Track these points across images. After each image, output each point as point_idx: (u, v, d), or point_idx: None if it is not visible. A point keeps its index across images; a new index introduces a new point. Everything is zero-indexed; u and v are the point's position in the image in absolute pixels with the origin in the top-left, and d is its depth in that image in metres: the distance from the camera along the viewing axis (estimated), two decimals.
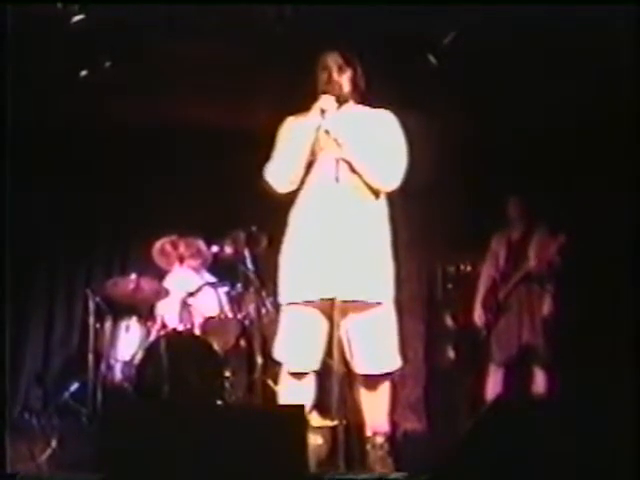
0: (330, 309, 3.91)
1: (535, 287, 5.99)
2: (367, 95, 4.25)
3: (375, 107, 4.24)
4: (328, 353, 4.08)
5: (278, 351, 4.21)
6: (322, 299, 3.95)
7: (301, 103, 4.20)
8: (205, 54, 5.61)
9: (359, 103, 4.21)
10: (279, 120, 4.31)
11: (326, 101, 4.03)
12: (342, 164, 4.00)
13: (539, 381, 5.84)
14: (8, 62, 5.41)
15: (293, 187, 4.13)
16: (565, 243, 5.72)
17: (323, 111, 4.02)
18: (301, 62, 4.36)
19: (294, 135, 4.11)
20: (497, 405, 3.21)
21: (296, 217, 4.15)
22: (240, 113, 6.23)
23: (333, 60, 4.15)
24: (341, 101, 4.08)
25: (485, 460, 2.88)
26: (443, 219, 6.13)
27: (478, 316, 6.15)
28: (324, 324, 4.05)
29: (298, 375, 4.13)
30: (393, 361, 4.13)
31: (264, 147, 4.61)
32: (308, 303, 4.03)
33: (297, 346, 4.09)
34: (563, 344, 5.84)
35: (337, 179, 3.94)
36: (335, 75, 4.12)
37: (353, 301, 3.95)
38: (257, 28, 5.29)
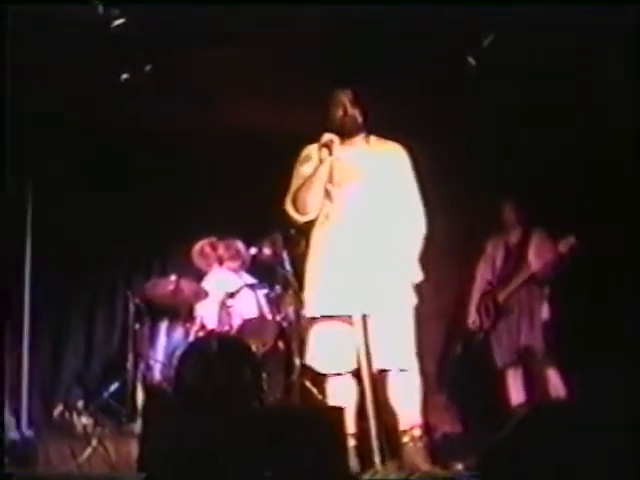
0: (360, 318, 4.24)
1: (535, 289, 5.98)
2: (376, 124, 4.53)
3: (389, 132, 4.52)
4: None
5: (309, 356, 4.52)
6: (347, 315, 4.27)
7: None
8: (246, 56, 5.63)
9: (370, 134, 4.51)
10: (319, 123, 4.45)
11: (331, 137, 4.32)
12: (357, 194, 4.35)
13: (554, 383, 5.81)
14: (48, 66, 5.53)
15: (312, 216, 4.46)
16: (575, 244, 5.70)
17: (327, 147, 4.31)
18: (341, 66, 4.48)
19: (311, 166, 4.43)
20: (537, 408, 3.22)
21: (317, 241, 4.48)
22: (282, 116, 6.25)
23: (345, 95, 4.42)
24: (354, 134, 4.43)
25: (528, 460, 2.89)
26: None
27: (472, 320, 6.15)
28: (351, 329, 4.28)
29: (338, 376, 4.37)
30: (411, 358, 4.35)
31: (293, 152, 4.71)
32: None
33: (328, 350, 4.36)
34: (565, 345, 5.82)
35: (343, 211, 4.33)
36: (349, 110, 4.41)
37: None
38: (302, 29, 5.32)
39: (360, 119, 4.43)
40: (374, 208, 4.38)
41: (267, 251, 6.09)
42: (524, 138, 6.08)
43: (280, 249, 5.98)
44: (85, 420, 5.68)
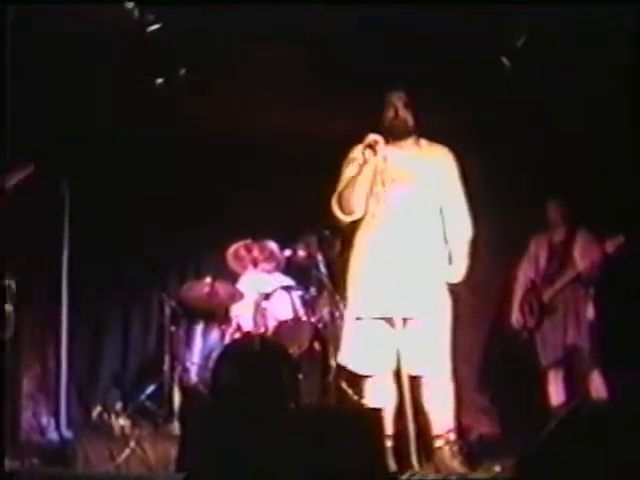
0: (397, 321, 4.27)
1: (580, 289, 5.94)
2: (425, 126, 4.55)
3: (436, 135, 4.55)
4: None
5: (343, 356, 4.58)
6: (387, 318, 4.29)
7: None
8: (283, 58, 5.65)
9: (420, 136, 4.54)
10: (355, 125, 4.48)
11: (377, 138, 4.31)
12: (405, 196, 4.37)
13: (596, 384, 5.77)
14: (82, 69, 5.58)
15: (358, 216, 4.48)
16: (622, 244, 5.66)
17: (373, 147, 4.30)
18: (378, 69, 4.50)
19: (357, 167, 4.42)
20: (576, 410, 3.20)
21: (362, 240, 4.50)
22: (316, 118, 6.27)
23: (398, 97, 4.44)
24: (404, 137, 4.45)
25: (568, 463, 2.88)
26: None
27: (516, 319, 6.11)
28: (392, 331, 4.29)
29: (374, 377, 4.42)
30: (444, 366, 4.41)
31: (337, 153, 4.72)
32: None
33: (367, 351, 4.40)
34: (608, 346, 5.77)
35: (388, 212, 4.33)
36: (401, 112, 4.43)
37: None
38: (335, 30, 5.34)
39: (411, 122, 4.44)
40: (421, 211, 4.40)
41: (301, 253, 6.12)
42: (569, 136, 6.03)
43: (314, 251, 6.00)
44: (123, 422, 5.71)
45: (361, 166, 4.36)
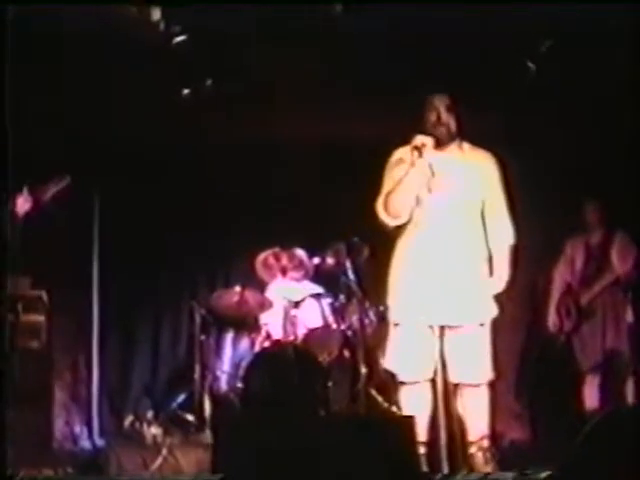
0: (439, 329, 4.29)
1: (619, 292, 5.90)
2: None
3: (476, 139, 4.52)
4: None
5: (390, 361, 4.52)
6: (431, 326, 4.29)
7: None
8: (313, 64, 5.66)
9: (463, 140, 4.49)
10: (385, 131, 4.47)
11: (423, 140, 4.27)
12: (447, 200, 4.35)
13: (634, 388, 5.72)
14: (111, 80, 5.63)
15: (404, 220, 4.40)
16: None
17: (419, 150, 4.25)
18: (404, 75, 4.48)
19: (403, 169, 4.35)
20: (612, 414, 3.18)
21: (406, 246, 4.44)
22: (341, 126, 6.28)
23: (441, 101, 4.39)
24: (448, 141, 4.39)
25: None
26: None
27: (553, 322, 6.06)
28: (432, 338, 4.30)
29: (412, 384, 4.39)
30: (485, 373, 4.39)
31: (366, 160, 4.71)
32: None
33: (408, 357, 4.37)
34: None
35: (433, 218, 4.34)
36: (444, 116, 4.37)
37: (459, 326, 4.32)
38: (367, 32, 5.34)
39: (454, 125, 4.40)
40: (464, 216, 4.37)
41: (330, 260, 6.13)
42: (606, 138, 5.99)
43: (343, 258, 6.01)
44: (155, 430, 5.76)
45: (408, 168, 4.30)
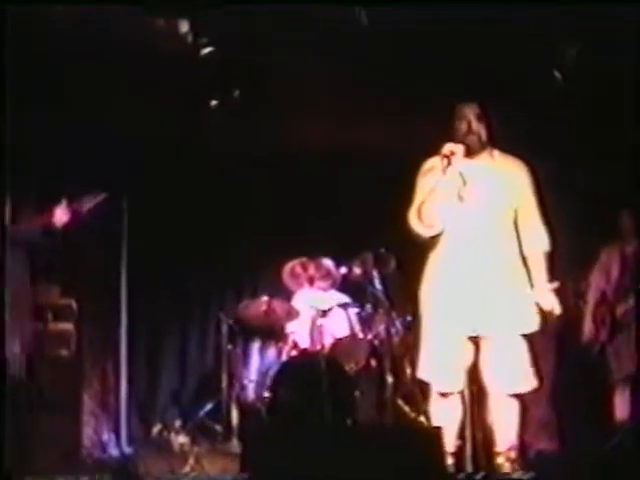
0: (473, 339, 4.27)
1: None
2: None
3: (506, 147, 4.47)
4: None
5: (423, 371, 4.44)
6: (470, 337, 4.25)
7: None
8: (342, 74, 5.67)
9: (493, 148, 4.44)
10: (412, 142, 4.45)
11: (452, 149, 4.24)
12: (480, 209, 4.30)
13: None
14: (144, 89, 5.68)
15: (437, 231, 4.36)
16: None
17: (449, 159, 4.22)
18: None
19: (435, 178, 4.31)
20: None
21: (438, 255, 4.40)
22: (369, 135, 6.29)
23: (471, 110, 4.36)
24: (478, 150, 4.35)
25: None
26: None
27: (589, 330, 6.00)
28: (465, 348, 4.28)
29: (445, 395, 4.35)
30: (527, 382, 4.34)
31: (393, 170, 4.71)
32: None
33: (441, 368, 4.32)
34: None
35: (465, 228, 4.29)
36: (474, 124, 4.34)
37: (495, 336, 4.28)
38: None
39: (485, 134, 4.36)
40: (497, 225, 4.33)
41: (357, 270, 6.14)
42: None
43: (370, 268, 6.02)
44: (182, 439, 5.79)
45: (439, 177, 4.25)
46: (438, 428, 3.70)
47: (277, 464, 3.46)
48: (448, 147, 4.24)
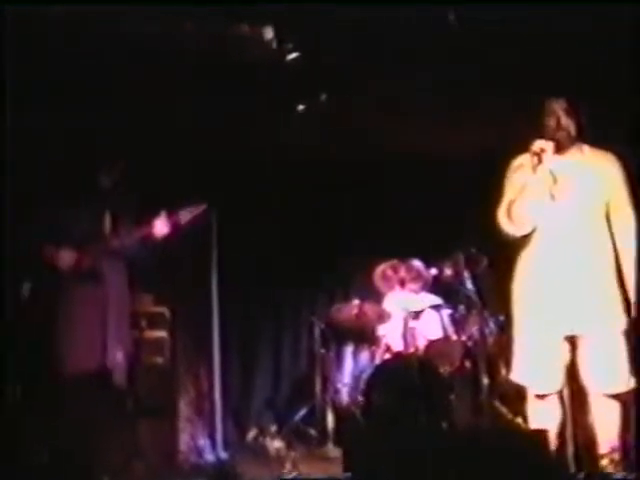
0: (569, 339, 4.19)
1: None
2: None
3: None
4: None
5: (517, 373, 4.35)
6: (566, 336, 4.18)
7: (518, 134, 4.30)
8: (426, 73, 5.64)
9: (583, 143, 4.35)
10: (499, 141, 4.38)
11: (543, 146, 4.17)
12: (571, 206, 4.22)
13: None
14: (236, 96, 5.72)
15: (527, 230, 4.29)
16: None
17: (539, 156, 4.15)
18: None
19: (524, 176, 4.25)
20: None
21: (530, 255, 4.32)
22: (454, 136, 6.23)
23: (559, 105, 4.28)
24: (568, 146, 4.27)
25: None
26: None
27: None
28: (562, 348, 4.20)
29: (542, 397, 4.27)
30: (626, 381, 4.21)
31: (481, 170, 4.64)
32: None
33: (538, 369, 4.24)
34: None
35: (557, 226, 4.21)
36: (563, 120, 4.27)
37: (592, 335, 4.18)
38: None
39: (574, 129, 4.29)
40: (589, 222, 4.24)
41: (448, 271, 6.09)
42: None
43: (461, 269, 5.96)
44: (278, 444, 5.81)
45: (529, 175, 4.20)
46: (544, 431, 3.61)
47: (376, 468, 3.44)
48: (538, 144, 4.17)
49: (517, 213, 4.25)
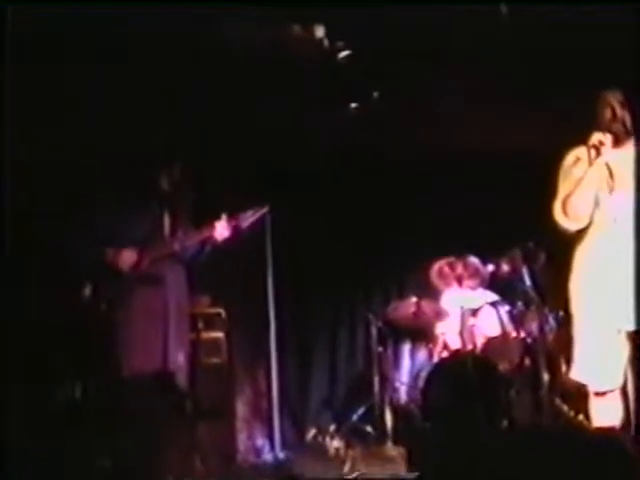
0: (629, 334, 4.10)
1: None
2: None
3: None
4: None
5: (577, 371, 4.28)
6: (620, 331, 4.10)
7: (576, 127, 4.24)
8: (477, 68, 5.59)
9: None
10: (553, 134, 4.33)
11: (601, 138, 4.08)
12: (628, 200, 4.11)
13: None
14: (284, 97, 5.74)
15: (584, 224, 4.22)
16: None
17: (597, 149, 4.07)
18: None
19: (582, 169, 4.18)
20: None
21: (587, 250, 4.25)
22: (510, 130, 6.18)
23: (615, 97, 4.20)
24: (624, 138, 4.17)
25: None
26: None
27: None
28: (622, 344, 4.12)
29: (602, 394, 4.19)
30: None
31: (537, 164, 4.59)
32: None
33: (598, 366, 4.16)
34: None
35: (615, 220, 4.13)
36: (619, 112, 4.18)
37: None
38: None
39: (629, 121, 4.19)
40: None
41: (505, 267, 6.03)
42: None
43: (519, 264, 5.89)
44: (337, 443, 5.80)
45: (586, 168, 4.12)
46: (608, 430, 3.55)
47: (433, 467, 3.42)
48: (596, 137, 4.09)
49: (573, 207, 4.17)
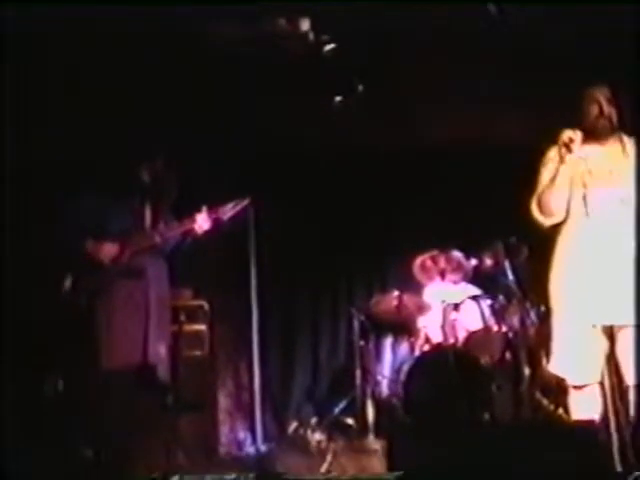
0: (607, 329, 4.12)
1: None
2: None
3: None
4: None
5: (556, 365, 4.30)
6: (599, 326, 4.12)
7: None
8: (465, 62, 5.60)
9: (623, 133, 4.29)
10: (533, 133, 4.35)
11: (571, 135, 4.12)
12: (607, 198, 4.15)
13: None
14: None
15: (559, 219, 4.26)
16: None
17: (567, 146, 4.11)
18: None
19: (554, 167, 4.22)
20: None
21: (566, 244, 4.28)
22: (494, 125, 6.20)
23: (602, 93, 4.23)
24: (608, 134, 4.23)
25: None
26: None
27: None
28: (601, 339, 4.15)
29: (580, 388, 4.21)
30: None
31: (520, 159, 4.61)
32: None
33: (576, 360, 4.18)
34: None
35: (589, 215, 4.13)
36: (605, 108, 4.22)
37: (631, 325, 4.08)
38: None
39: (615, 118, 4.24)
40: (624, 211, 4.15)
41: (488, 261, 6.05)
42: None
43: (501, 259, 5.91)
44: (318, 436, 5.81)
45: (558, 166, 4.18)
46: (593, 422, 3.56)
47: (420, 461, 3.42)
48: (566, 134, 4.13)
49: (545, 203, 4.23)
